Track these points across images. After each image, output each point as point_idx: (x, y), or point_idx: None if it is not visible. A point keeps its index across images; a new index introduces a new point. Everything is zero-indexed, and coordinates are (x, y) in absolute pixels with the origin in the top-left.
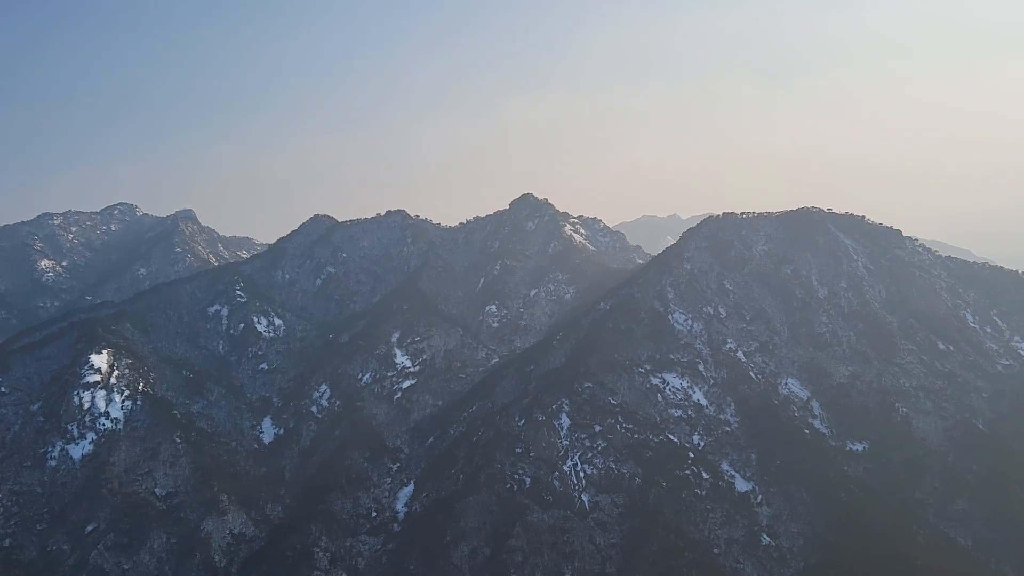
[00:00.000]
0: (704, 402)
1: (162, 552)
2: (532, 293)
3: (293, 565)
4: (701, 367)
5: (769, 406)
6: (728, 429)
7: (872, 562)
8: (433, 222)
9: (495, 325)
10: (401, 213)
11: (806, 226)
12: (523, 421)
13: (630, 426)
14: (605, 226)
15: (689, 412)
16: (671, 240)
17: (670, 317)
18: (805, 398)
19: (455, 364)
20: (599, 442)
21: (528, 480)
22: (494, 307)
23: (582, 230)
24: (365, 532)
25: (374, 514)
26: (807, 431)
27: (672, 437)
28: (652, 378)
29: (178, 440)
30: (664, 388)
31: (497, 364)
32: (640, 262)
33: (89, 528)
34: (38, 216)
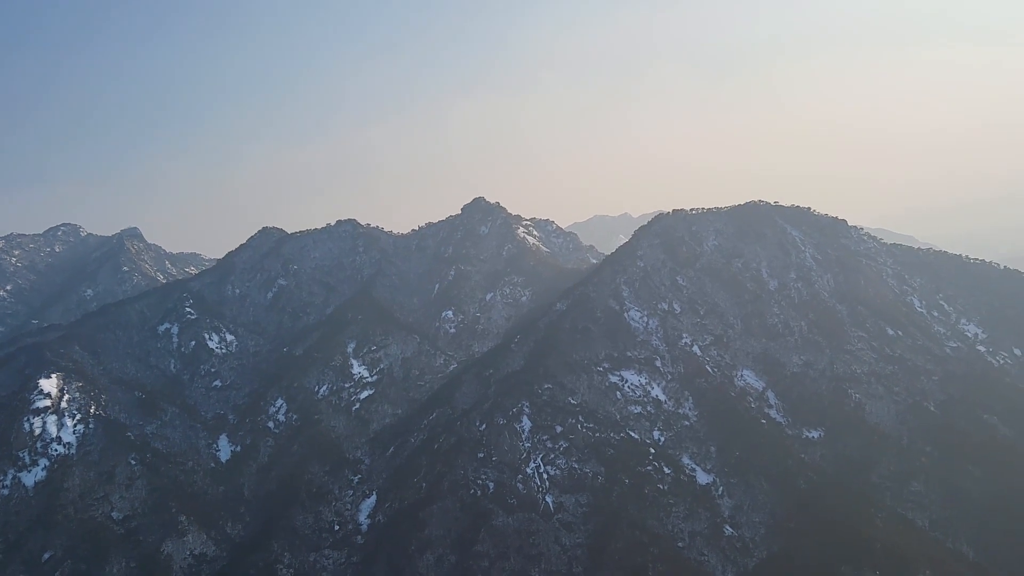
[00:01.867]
0: (663, 397)
1: None
2: (488, 297)
3: None
4: (658, 363)
5: (726, 398)
6: (687, 423)
7: (834, 547)
8: (385, 230)
9: (452, 331)
10: (352, 222)
11: (754, 219)
12: (484, 426)
13: (591, 425)
14: (558, 227)
15: (648, 408)
16: (623, 239)
17: (626, 315)
18: (760, 388)
19: (413, 372)
20: (561, 443)
21: (491, 485)
22: (450, 313)
23: (535, 232)
24: (328, 546)
25: (337, 527)
26: (764, 421)
27: (633, 434)
28: (611, 376)
29: (133, 462)
30: (623, 386)
31: (456, 370)
32: (594, 262)
33: (46, 556)
34: None
